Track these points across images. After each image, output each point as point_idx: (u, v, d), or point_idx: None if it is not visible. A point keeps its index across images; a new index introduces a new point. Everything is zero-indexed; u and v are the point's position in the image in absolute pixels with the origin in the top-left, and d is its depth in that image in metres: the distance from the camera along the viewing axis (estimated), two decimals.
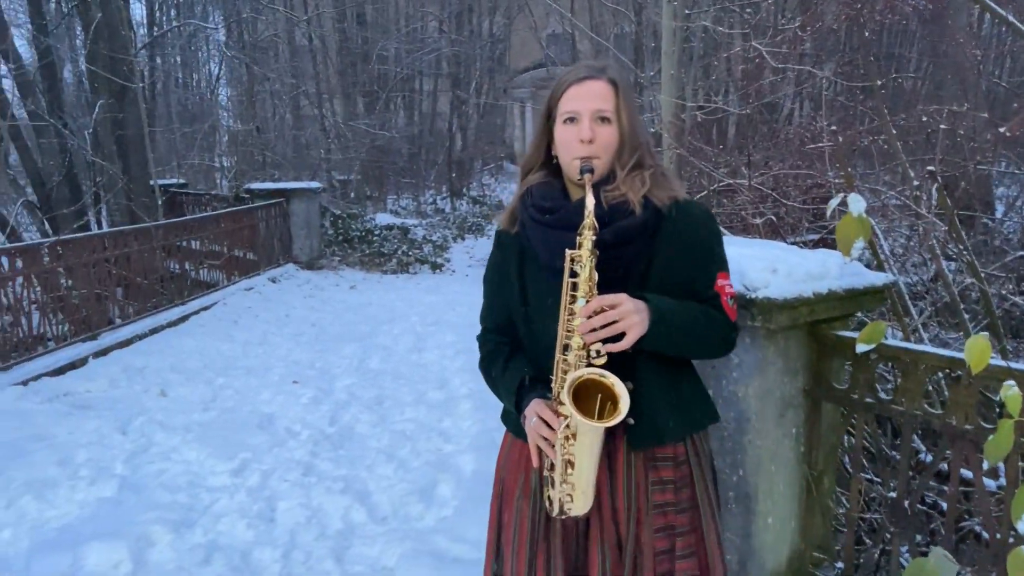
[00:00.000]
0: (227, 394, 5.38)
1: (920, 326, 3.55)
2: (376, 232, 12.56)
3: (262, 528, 3.42)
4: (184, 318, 7.76)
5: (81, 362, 6.14)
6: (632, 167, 1.58)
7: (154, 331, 7.20)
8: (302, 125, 18.41)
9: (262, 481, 3.89)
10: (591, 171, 1.53)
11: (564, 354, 1.52)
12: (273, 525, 3.46)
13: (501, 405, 1.78)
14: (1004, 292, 4.31)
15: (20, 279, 6.11)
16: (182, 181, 14.47)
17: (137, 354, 6.50)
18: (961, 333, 3.73)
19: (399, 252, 11.85)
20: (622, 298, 1.46)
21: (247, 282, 9.45)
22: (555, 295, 1.53)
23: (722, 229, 1.93)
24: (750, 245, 2.48)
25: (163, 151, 16.79)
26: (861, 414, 2.31)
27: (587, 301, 1.47)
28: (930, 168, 3.60)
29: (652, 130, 7.42)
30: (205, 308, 8.19)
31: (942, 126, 4.44)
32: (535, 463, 1.60)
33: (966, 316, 3.39)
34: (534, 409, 1.57)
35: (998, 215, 7.45)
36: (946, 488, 2.47)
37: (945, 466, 2.35)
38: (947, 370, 2.15)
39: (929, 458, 2.96)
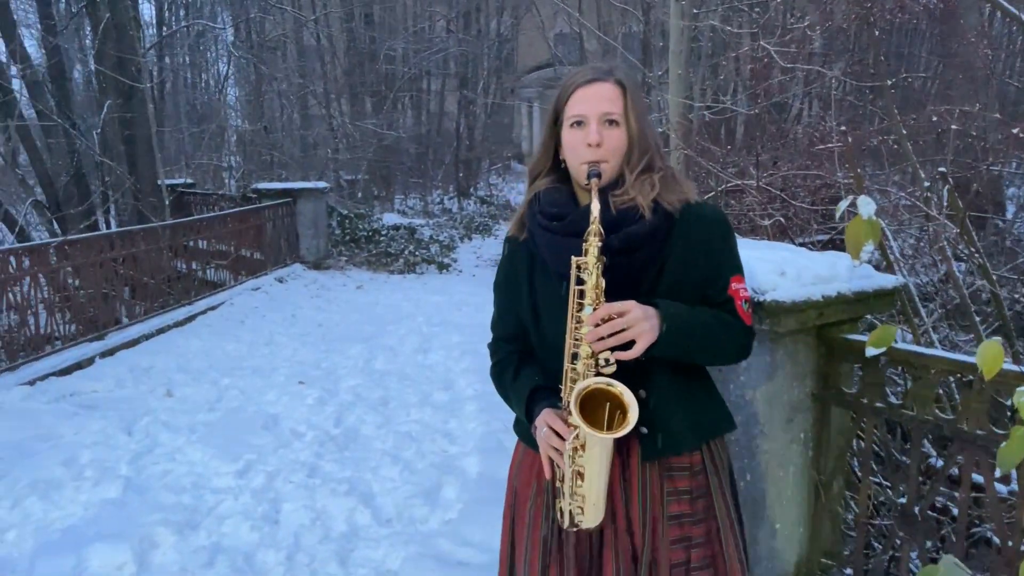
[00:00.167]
0: (232, 394, 5.37)
1: (930, 327, 3.51)
2: (383, 232, 12.55)
3: (266, 530, 3.40)
4: (191, 318, 7.77)
5: (88, 362, 6.15)
6: (642, 170, 1.55)
7: (161, 331, 7.21)
8: (310, 125, 18.45)
9: (267, 483, 3.88)
10: (598, 176, 1.50)
11: (573, 363, 1.48)
12: (277, 527, 3.44)
13: (507, 407, 1.75)
14: (1016, 295, 4.26)
15: (27, 279, 6.11)
16: (190, 181, 14.49)
17: (143, 354, 6.51)
18: (972, 336, 3.68)
19: (406, 252, 11.84)
20: (630, 305, 1.43)
21: (254, 282, 9.46)
22: (565, 303, 1.50)
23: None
24: (758, 247, 2.45)
25: (172, 151, 16.84)
26: (870, 419, 2.28)
27: (594, 309, 1.43)
28: (941, 169, 3.56)
29: (660, 130, 7.39)
30: (212, 308, 8.21)
31: (953, 126, 4.39)
32: (547, 474, 1.56)
33: (977, 319, 3.35)
34: (544, 419, 1.53)
35: (1008, 215, 7.39)
36: (956, 494, 2.44)
37: (956, 470, 2.32)
38: (958, 375, 2.12)
39: (939, 463, 2.92)
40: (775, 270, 2.15)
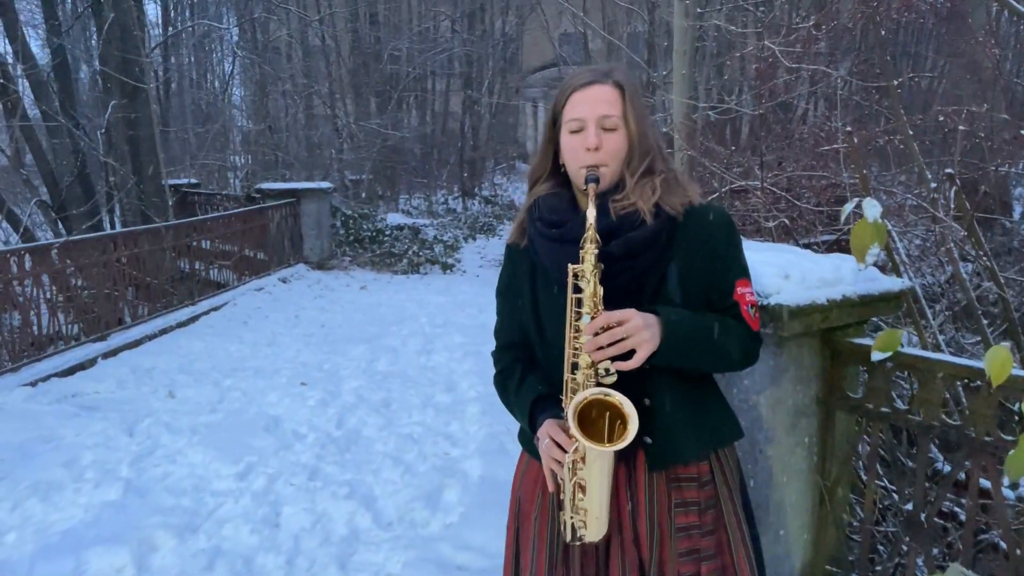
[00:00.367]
0: (234, 396, 5.35)
1: (936, 330, 3.47)
2: (387, 232, 12.54)
3: (266, 533, 3.38)
4: (194, 318, 7.76)
5: (90, 363, 6.14)
6: (643, 173, 1.51)
7: (163, 331, 7.21)
8: (314, 125, 18.45)
9: (267, 485, 3.86)
10: (596, 181, 1.46)
11: (572, 373, 1.45)
12: (277, 530, 3.42)
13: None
14: None
15: (29, 279, 6.11)
16: (194, 181, 14.50)
17: (146, 355, 6.50)
18: (979, 338, 3.64)
19: (410, 252, 11.82)
20: (630, 314, 1.39)
21: (257, 282, 9.45)
22: (566, 311, 1.47)
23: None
24: (762, 249, 2.42)
25: (177, 151, 16.86)
26: (876, 424, 2.24)
27: (592, 318, 1.40)
28: (948, 171, 3.51)
29: (664, 130, 7.35)
30: (215, 308, 8.20)
31: (960, 127, 4.35)
32: (550, 487, 1.53)
33: (984, 322, 3.31)
34: (546, 430, 1.50)
35: (1016, 216, 7.34)
36: (964, 500, 2.40)
37: (963, 475, 2.28)
38: (965, 379, 2.08)
39: (946, 468, 2.88)
40: (779, 273, 2.11)
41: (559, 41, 19.13)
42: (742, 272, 1.56)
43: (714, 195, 5.01)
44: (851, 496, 2.61)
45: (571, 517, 1.47)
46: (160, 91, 16.96)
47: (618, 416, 1.38)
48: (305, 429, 4.67)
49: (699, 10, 7.49)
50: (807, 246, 4.17)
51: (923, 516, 2.16)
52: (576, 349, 1.44)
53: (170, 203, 10.85)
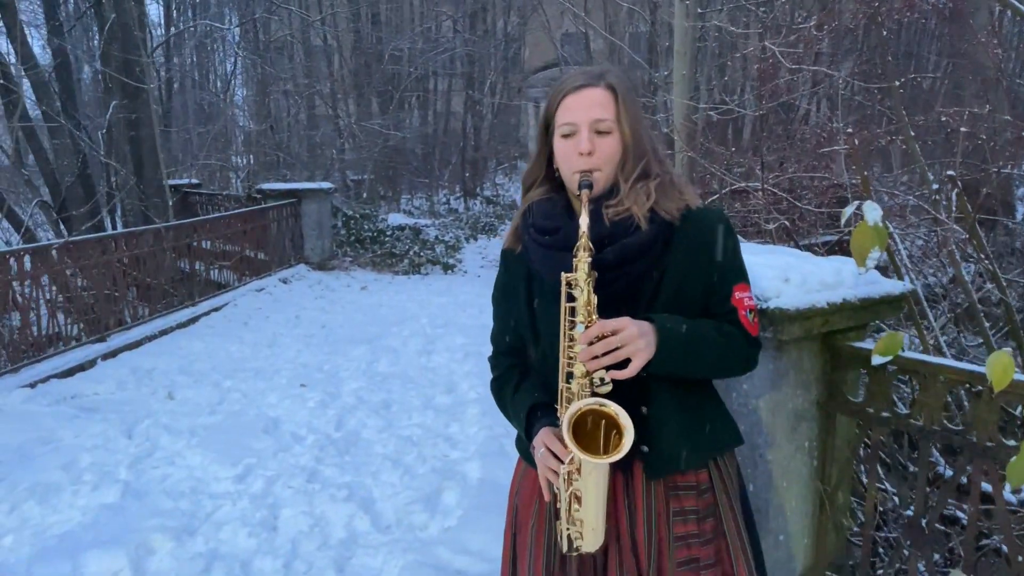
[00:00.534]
0: (234, 397, 5.34)
1: (937, 331, 3.45)
2: (388, 232, 12.53)
3: (264, 537, 3.36)
4: (194, 319, 7.75)
5: (90, 364, 6.13)
6: (637, 177, 1.49)
7: (164, 332, 7.20)
8: (316, 125, 18.45)
9: (266, 487, 3.84)
10: (590, 187, 1.44)
11: (567, 382, 1.43)
12: (275, 534, 3.41)
13: None
14: None
15: (29, 280, 6.10)
16: (195, 181, 14.50)
17: (146, 356, 6.49)
18: (981, 340, 3.62)
19: (411, 252, 11.80)
20: (625, 322, 1.37)
21: (258, 283, 9.44)
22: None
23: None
24: (761, 252, 2.40)
25: (179, 151, 16.87)
26: (877, 428, 2.22)
27: (586, 327, 1.38)
28: (950, 172, 3.49)
29: (665, 131, 7.33)
30: (216, 309, 8.19)
31: (962, 128, 4.32)
32: (546, 497, 1.51)
33: (986, 324, 3.29)
34: (542, 439, 1.48)
35: (1018, 217, 7.31)
36: (966, 506, 2.38)
37: (964, 479, 2.26)
38: (967, 384, 2.06)
39: (947, 472, 2.86)
40: (779, 276, 2.09)
41: (561, 41, 19.10)
42: (740, 276, 1.54)
43: (714, 196, 4.99)
44: (852, 499, 2.59)
45: (567, 528, 1.46)
46: (162, 91, 16.97)
47: (614, 426, 1.36)
48: (304, 431, 4.66)
49: (700, 10, 7.47)
50: (808, 247, 4.15)
51: (924, 521, 2.14)
52: (571, 358, 1.42)
53: (170, 203, 10.84)
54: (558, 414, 1.46)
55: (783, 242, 4.35)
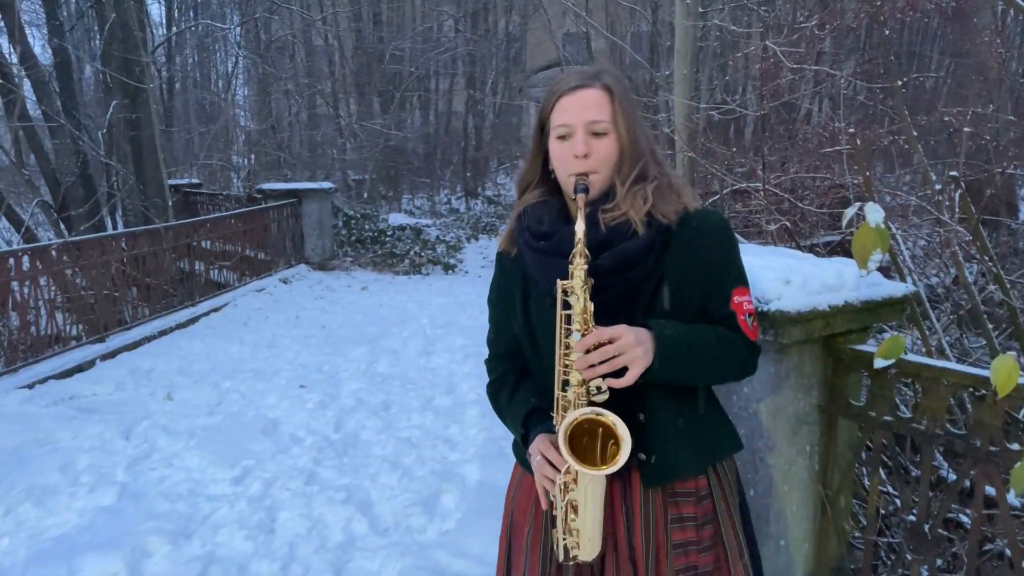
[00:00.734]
0: (233, 398, 5.32)
1: (940, 332, 3.43)
2: (389, 232, 12.51)
3: (261, 539, 3.34)
4: (194, 319, 7.74)
5: (89, 364, 6.11)
6: (634, 180, 1.45)
7: (163, 333, 7.18)
8: (317, 124, 18.44)
9: (263, 490, 3.82)
10: (586, 191, 1.41)
11: (563, 390, 1.40)
12: (273, 536, 3.38)
13: None
14: None
15: (27, 280, 6.08)
16: (195, 181, 14.49)
17: (145, 356, 6.47)
18: (984, 342, 3.59)
19: (411, 253, 11.78)
20: (622, 330, 1.34)
21: (258, 283, 9.42)
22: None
23: (735, 235, 1.81)
24: (763, 253, 2.37)
25: (181, 151, 16.87)
26: (879, 432, 2.20)
27: (582, 335, 1.35)
28: (953, 173, 3.46)
29: (666, 131, 7.30)
30: (215, 309, 8.17)
31: (965, 128, 4.29)
32: (543, 505, 1.49)
33: (990, 326, 3.26)
34: (538, 447, 1.46)
35: (1021, 218, 7.27)
36: (968, 511, 2.35)
37: (968, 483, 2.23)
38: (971, 388, 2.04)
39: (950, 475, 2.83)
40: (780, 278, 2.07)
41: (562, 41, 19.06)
42: (739, 280, 1.51)
43: (715, 196, 4.96)
44: (854, 503, 2.57)
45: (564, 537, 1.43)
46: (163, 91, 16.97)
47: (611, 435, 1.33)
48: (303, 432, 4.64)
49: (701, 9, 7.44)
50: (809, 248, 4.13)
51: (927, 526, 2.11)
52: (567, 366, 1.39)
53: (170, 203, 10.82)
54: (554, 422, 1.43)
55: (784, 243, 4.32)
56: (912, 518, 2.18)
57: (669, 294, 1.45)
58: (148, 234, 7.84)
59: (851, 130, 4.63)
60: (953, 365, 2.07)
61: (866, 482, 2.56)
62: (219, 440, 4.46)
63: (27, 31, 11.87)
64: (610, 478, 1.42)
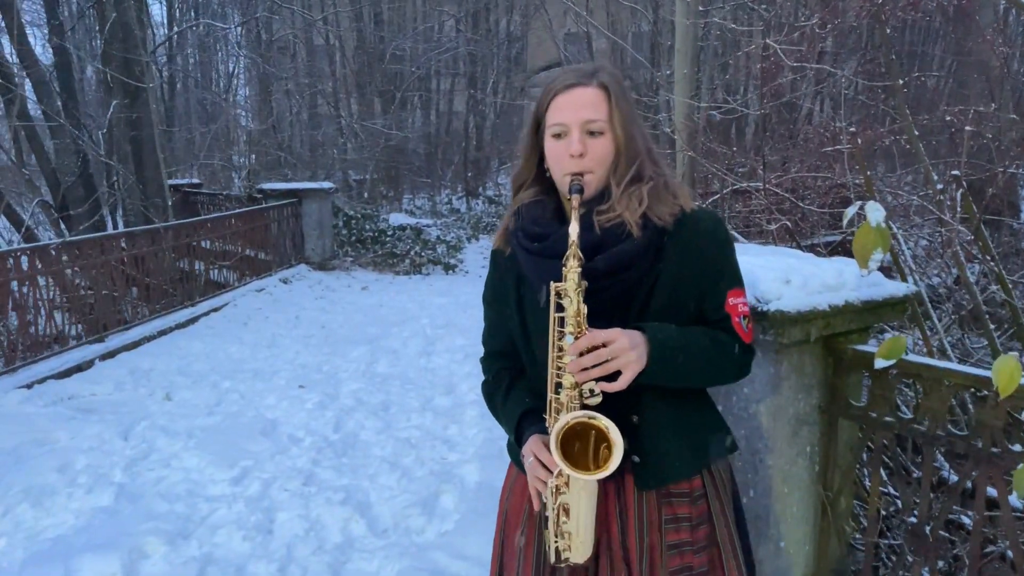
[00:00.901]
0: (232, 398, 5.30)
1: (942, 332, 3.40)
2: (389, 232, 12.49)
3: (259, 540, 3.32)
4: (194, 319, 7.72)
5: (88, 364, 6.10)
6: (630, 180, 1.43)
7: (163, 333, 7.17)
8: (318, 124, 18.43)
9: (262, 490, 3.81)
10: (580, 191, 1.39)
11: (556, 393, 1.39)
12: (271, 537, 3.37)
13: None
14: None
15: (27, 280, 6.07)
16: (196, 181, 14.48)
17: (145, 356, 6.46)
18: (986, 342, 3.57)
19: (412, 253, 11.77)
20: (615, 334, 1.33)
21: (258, 283, 9.41)
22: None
23: (736, 235, 1.79)
24: (763, 253, 2.35)
25: (182, 151, 16.86)
26: (880, 433, 2.18)
27: (575, 338, 1.34)
28: (955, 172, 3.44)
29: (667, 130, 7.28)
30: (215, 309, 8.16)
31: (967, 127, 4.27)
32: (535, 506, 1.48)
33: (991, 326, 3.24)
34: (531, 448, 1.44)
35: (1023, 217, 7.24)
36: (970, 512, 2.33)
37: (969, 484, 2.22)
38: (972, 389, 2.02)
39: (951, 477, 2.81)
40: (780, 278, 2.05)
41: (564, 41, 19.04)
42: (734, 281, 1.49)
43: (715, 197, 4.94)
44: (854, 503, 2.55)
45: (556, 540, 1.42)
46: (164, 91, 16.97)
47: (604, 438, 1.32)
48: (302, 433, 4.62)
49: (701, 8, 7.41)
50: (810, 248, 4.10)
51: (928, 528, 2.09)
52: (560, 369, 1.38)
53: (170, 203, 10.81)
54: (547, 424, 1.42)
55: (785, 243, 4.30)
56: (913, 519, 2.16)
57: (664, 296, 1.43)
58: (148, 234, 7.82)
59: (852, 129, 4.62)
60: (955, 365, 2.05)
61: (867, 483, 2.55)
62: (218, 440, 4.44)
63: (28, 31, 11.88)
64: (603, 480, 1.41)
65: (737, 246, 1.60)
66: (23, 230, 10.17)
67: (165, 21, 18.58)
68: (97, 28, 12.98)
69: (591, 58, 15.77)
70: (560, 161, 1.44)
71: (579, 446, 1.36)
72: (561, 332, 1.37)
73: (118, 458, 4.23)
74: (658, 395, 1.45)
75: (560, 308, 1.37)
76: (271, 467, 4.10)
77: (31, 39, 11.90)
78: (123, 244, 7.34)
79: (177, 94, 18.76)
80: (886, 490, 2.95)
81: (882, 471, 2.63)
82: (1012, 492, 1.86)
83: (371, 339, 7.04)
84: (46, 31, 14.08)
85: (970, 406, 3.03)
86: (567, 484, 1.37)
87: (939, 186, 3.64)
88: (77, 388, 5.55)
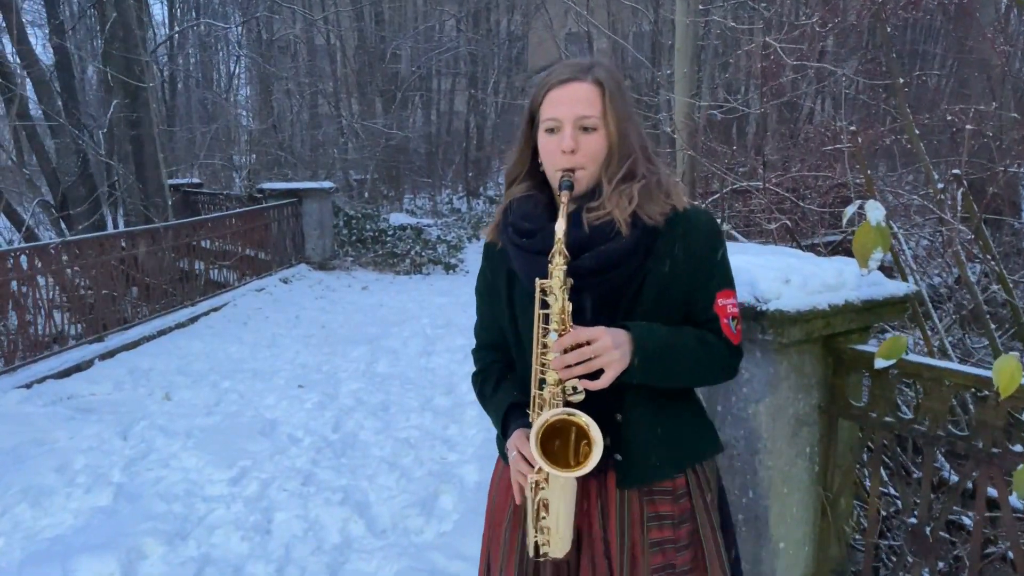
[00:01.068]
0: (231, 398, 5.30)
1: (942, 332, 3.40)
2: (390, 232, 12.48)
3: (257, 541, 3.32)
4: (193, 319, 7.72)
5: (87, 364, 6.09)
6: (622, 178, 1.42)
7: (162, 332, 7.16)
8: (319, 124, 18.42)
9: (260, 491, 3.80)
10: (571, 187, 1.38)
11: (540, 389, 1.39)
12: (269, 538, 3.36)
13: None
14: None
15: (27, 280, 6.06)
16: (196, 180, 14.48)
17: (144, 356, 6.46)
18: (987, 342, 3.56)
19: (412, 252, 11.75)
20: (599, 332, 1.32)
21: (258, 283, 9.40)
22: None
23: (736, 234, 1.78)
24: (762, 252, 2.34)
25: (182, 150, 16.85)
26: (880, 433, 2.17)
27: (559, 335, 1.33)
28: (955, 171, 3.43)
29: (667, 130, 7.27)
30: (215, 309, 8.15)
31: (968, 126, 4.26)
32: (517, 499, 1.47)
33: (992, 326, 3.23)
34: (515, 442, 1.44)
35: None
36: (970, 513, 2.32)
37: (970, 484, 2.20)
38: (973, 389, 2.01)
39: (952, 477, 2.80)
40: (780, 277, 2.04)
41: (564, 41, 19.03)
42: (724, 282, 1.47)
43: (714, 196, 4.93)
44: (854, 504, 2.54)
45: (535, 534, 1.43)
46: (165, 90, 16.96)
47: (585, 435, 1.32)
48: (301, 433, 4.61)
49: (702, 7, 7.40)
50: (810, 248, 4.09)
51: (928, 529, 2.08)
52: (544, 365, 1.38)
53: (170, 203, 10.81)
54: (531, 419, 1.42)
55: (785, 242, 4.30)
56: (913, 520, 2.15)
57: (652, 296, 1.42)
58: (148, 233, 7.82)
59: (853, 129, 4.60)
60: (955, 365, 2.04)
61: (867, 484, 2.54)
62: (217, 440, 4.44)
63: (28, 31, 11.87)
64: (585, 477, 1.40)
65: (737, 245, 1.59)
66: (23, 230, 10.17)
67: (166, 21, 18.61)
68: (97, 28, 12.99)
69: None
70: (552, 156, 1.43)
71: (560, 443, 1.37)
72: (546, 329, 1.37)
73: (117, 458, 4.23)
74: (642, 394, 1.44)
75: (545, 305, 1.37)
76: (270, 467, 4.09)
77: (31, 39, 11.90)
78: (123, 244, 7.32)
79: (178, 94, 18.76)
80: (886, 490, 2.94)
81: (882, 471, 2.62)
82: (1012, 492, 1.85)
83: (371, 339, 7.03)
84: (46, 31, 14.08)
85: (971, 406, 3.02)
86: (547, 480, 1.37)
87: (940, 185, 3.63)
88: (76, 388, 5.54)
